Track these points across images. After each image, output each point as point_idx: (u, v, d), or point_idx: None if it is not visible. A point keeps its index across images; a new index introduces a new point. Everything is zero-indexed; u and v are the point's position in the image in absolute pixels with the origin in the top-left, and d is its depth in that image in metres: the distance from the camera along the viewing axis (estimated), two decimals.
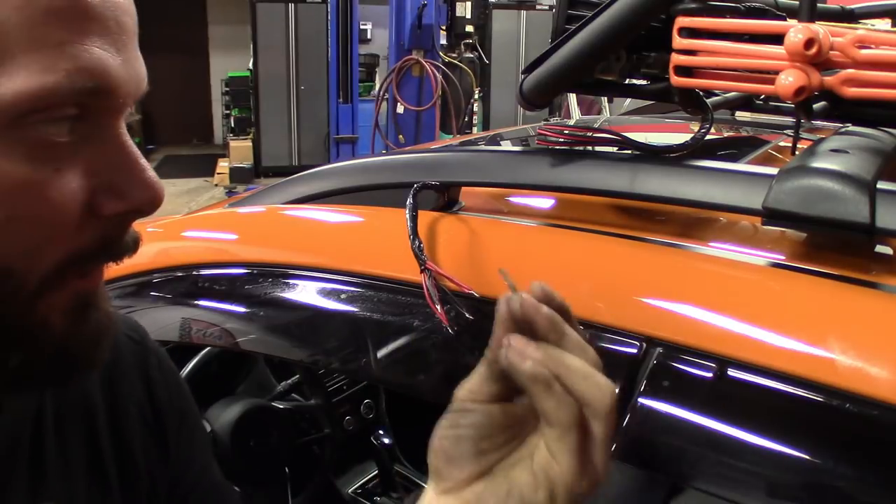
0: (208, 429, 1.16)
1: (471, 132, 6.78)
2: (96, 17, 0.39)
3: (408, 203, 0.76)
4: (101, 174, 0.42)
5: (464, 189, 0.88)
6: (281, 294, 0.88)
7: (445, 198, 0.86)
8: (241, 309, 0.91)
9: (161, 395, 0.63)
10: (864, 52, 0.62)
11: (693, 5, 0.70)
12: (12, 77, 0.36)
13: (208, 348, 1.25)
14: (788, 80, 0.63)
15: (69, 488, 0.54)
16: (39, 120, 0.38)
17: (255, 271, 0.91)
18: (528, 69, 0.80)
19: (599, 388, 0.45)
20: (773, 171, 0.66)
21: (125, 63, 0.41)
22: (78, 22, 0.38)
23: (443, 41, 6.97)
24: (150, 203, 0.43)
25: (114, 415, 0.59)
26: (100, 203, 0.42)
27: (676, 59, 0.71)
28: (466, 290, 0.71)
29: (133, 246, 0.46)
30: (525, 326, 0.47)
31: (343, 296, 0.83)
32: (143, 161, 0.43)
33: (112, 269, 0.48)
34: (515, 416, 0.48)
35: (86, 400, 0.58)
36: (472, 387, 0.48)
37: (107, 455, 0.58)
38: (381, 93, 7.10)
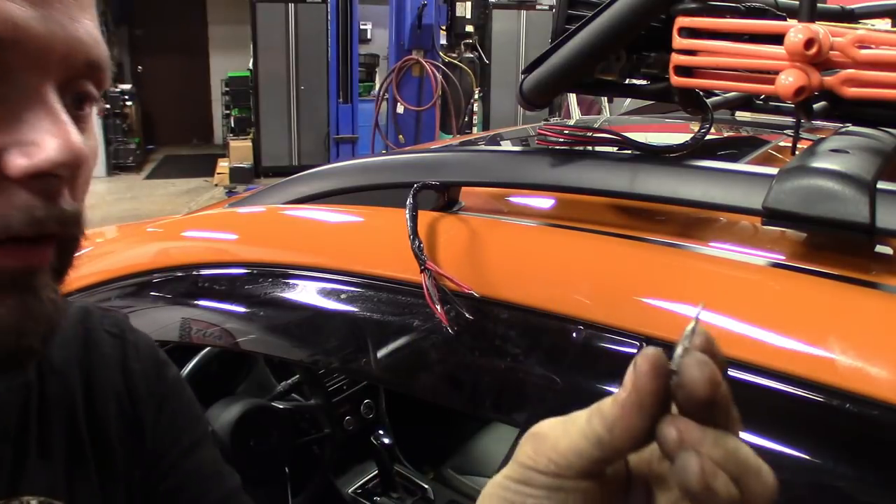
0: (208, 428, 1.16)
1: (471, 132, 6.79)
2: None
3: (408, 203, 0.76)
4: (11, 134, 0.38)
5: (464, 189, 0.88)
6: (281, 294, 0.88)
7: (445, 198, 0.86)
8: (241, 309, 0.91)
9: (138, 384, 0.63)
10: (864, 52, 0.62)
11: (693, 5, 0.70)
12: None
13: (208, 348, 1.25)
14: (788, 80, 0.63)
15: (50, 479, 0.54)
16: None
17: (255, 271, 0.91)
18: (528, 69, 0.80)
19: (766, 486, 0.34)
20: (774, 171, 0.66)
21: (44, 18, 0.38)
22: None
23: (443, 41, 6.97)
24: (60, 158, 0.38)
25: (92, 407, 0.59)
26: (5, 162, 0.38)
27: (676, 59, 0.71)
28: (466, 290, 0.71)
29: (72, 220, 0.41)
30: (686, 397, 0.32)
31: (343, 296, 0.83)
32: (63, 117, 0.40)
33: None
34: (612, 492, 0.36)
35: (66, 393, 0.58)
36: (567, 451, 0.34)
37: (86, 446, 0.58)
38: (381, 93, 7.10)
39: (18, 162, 0.38)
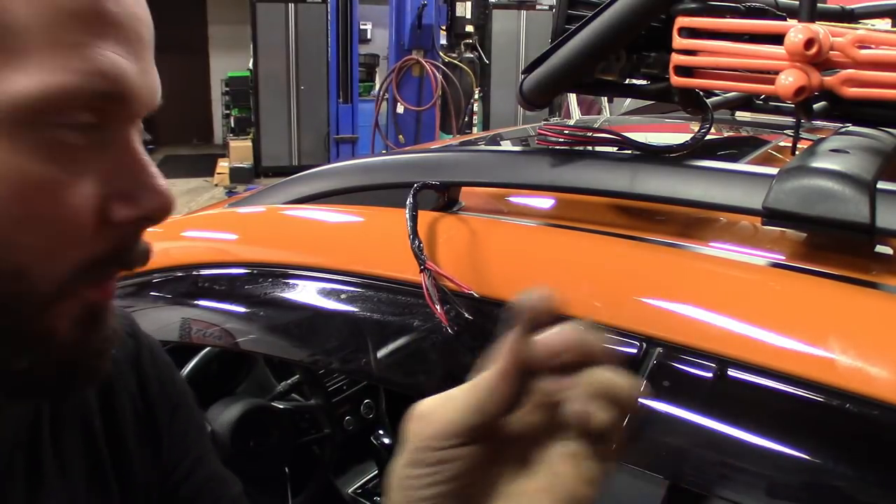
0: (208, 429, 1.16)
1: (471, 132, 6.78)
2: (115, 23, 0.40)
3: (408, 203, 0.76)
4: (113, 181, 0.42)
5: (464, 189, 0.88)
6: (281, 294, 0.88)
7: (445, 198, 0.86)
8: (241, 309, 0.91)
9: (153, 389, 0.63)
10: (864, 52, 0.62)
11: (693, 5, 0.70)
12: (30, 75, 0.37)
13: (208, 348, 1.25)
14: (788, 80, 0.63)
15: (68, 494, 0.54)
16: (56, 121, 0.38)
17: (255, 271, 0.91)
18: (528, 69, 0.80)
19: (632, 391, 0.40)
20: (774, 171, 0.66)
21: (141, 72, 0.42)
22: (97, 25, 0.39)
23: (443, 41, 6.97)
24: (161, 210, 0.43)
25: (109, 415, 0.59)
26: (112, 210, 0.42)
27: (676, 59, 0.71)
28: (466, 290, 0.71)
29: (144, 256, 0.46)
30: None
31: (343, 296, 0.83)
32: (155, 169, 0.44)
33: None
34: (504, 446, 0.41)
35: (82, 403, 0.58)
36: (451, 423, 0.40)
37: (104, 458, 0.57)
38: (381, 93, 7.10)
39: (126, 212, 0.42)
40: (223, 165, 8.73)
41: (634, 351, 0.62)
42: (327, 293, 0.84)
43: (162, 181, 0.43)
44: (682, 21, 0.70)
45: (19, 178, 0.38)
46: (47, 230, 0.40)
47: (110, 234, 0.42)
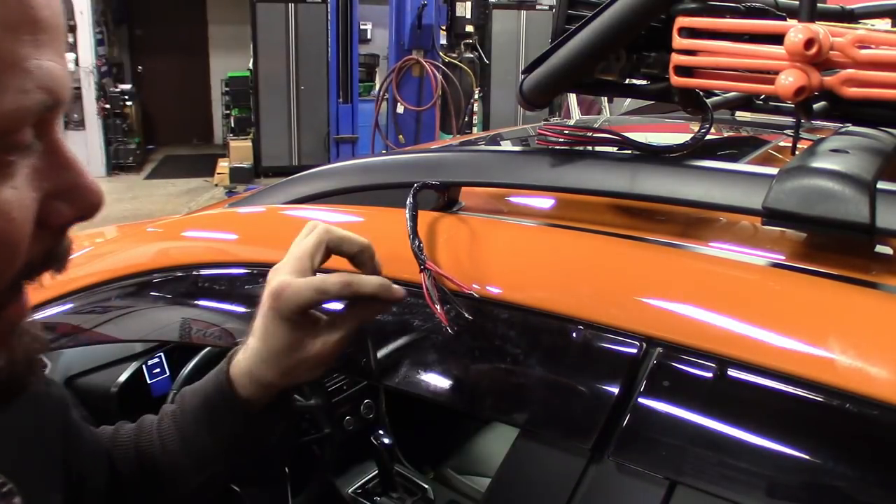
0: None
1: (471, 132, 6.79)
2: (47, 28, 0.37)
3: (408, 203, 0.76)
4: (46, 185, 0.40)
5: (464, 189, 0.88)
6: None
7: (445, 198, 0.86)
8: (242, 309, 0.91)
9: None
10: (864, 52, 0.62)
11: (693, 5, 0.70)
12: None
13: (208, 348, 1.25)
14: (789, 80, 0.63)
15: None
16: (10, 144, 0.37)
17: (255, 271, 0.91)
18: (529, 69, 0.80)
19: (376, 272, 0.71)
20: (773, 171, 0.66)
21: (65, 70, 0.40)
22: (33, 35, 0.36)
23: (443, 41, 6.97)
24: (96, 207, 0.42)
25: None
26: (49, 214, 0.41)
27: (676, 59, 0.71)
28: (466, 291, 0.71)
29: (67, 253, 0.45)
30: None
31: None
32: (82, 165, 0.42)
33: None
34: None
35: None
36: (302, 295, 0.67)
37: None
38: (381, 93, 7.10)
39: (63, 215, 0.42)
40: (223, 165, 8.73)
41: (634, 351, 0.62)
42: None
43: (91, 177, 0.43)
44: (682, 21, 0.70)
45: None
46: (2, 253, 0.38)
47: (44, 238, 0.41)
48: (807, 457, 0.53)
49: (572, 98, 5.60)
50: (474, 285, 0.71)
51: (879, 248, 0.66)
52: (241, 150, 8.73)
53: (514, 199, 0.91)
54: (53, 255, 0.43)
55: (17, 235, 0.39)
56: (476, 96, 7.16)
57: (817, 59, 0.62)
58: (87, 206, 0.42)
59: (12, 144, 0.37)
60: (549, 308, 0.67)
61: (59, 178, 0.41)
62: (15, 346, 0.43)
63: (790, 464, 0.53)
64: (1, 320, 0.41)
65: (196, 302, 0.98)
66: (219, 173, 8.67)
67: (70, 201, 0.42)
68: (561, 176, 0.76)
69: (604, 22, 0.72)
